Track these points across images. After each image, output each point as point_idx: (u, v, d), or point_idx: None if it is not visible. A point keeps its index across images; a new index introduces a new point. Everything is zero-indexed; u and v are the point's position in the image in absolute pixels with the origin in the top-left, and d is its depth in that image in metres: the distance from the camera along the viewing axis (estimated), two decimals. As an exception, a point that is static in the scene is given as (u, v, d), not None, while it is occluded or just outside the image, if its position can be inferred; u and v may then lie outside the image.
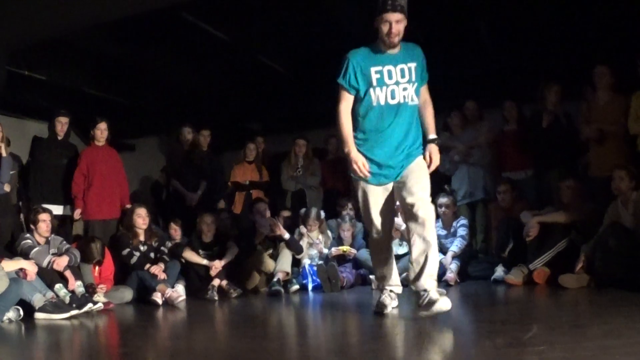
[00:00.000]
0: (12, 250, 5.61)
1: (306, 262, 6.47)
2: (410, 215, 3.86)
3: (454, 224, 6.51)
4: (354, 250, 6.61)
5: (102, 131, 6.81)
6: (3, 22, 6.28)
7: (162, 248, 6.40)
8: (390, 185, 4.08)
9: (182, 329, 4.79)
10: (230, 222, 7.47)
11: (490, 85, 7.78)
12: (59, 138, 6.92)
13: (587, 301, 4.61)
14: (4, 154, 6.11)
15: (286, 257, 6.37)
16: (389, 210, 4.15)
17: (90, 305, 5.16)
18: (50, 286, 5.21)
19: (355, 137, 4.02)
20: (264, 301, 5.85)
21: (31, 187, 6.71)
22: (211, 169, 7.77)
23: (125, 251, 6.17)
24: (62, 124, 6.90)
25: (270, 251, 6.56)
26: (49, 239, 5.72)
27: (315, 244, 6.64)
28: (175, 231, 6.89)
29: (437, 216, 6.53)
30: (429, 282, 3.76)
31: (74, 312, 5.01)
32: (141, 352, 3.60)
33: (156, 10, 6.17)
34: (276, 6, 6.40)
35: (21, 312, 4.91)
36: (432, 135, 4.16)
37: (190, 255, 6.33)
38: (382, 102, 3.94)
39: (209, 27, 6.68)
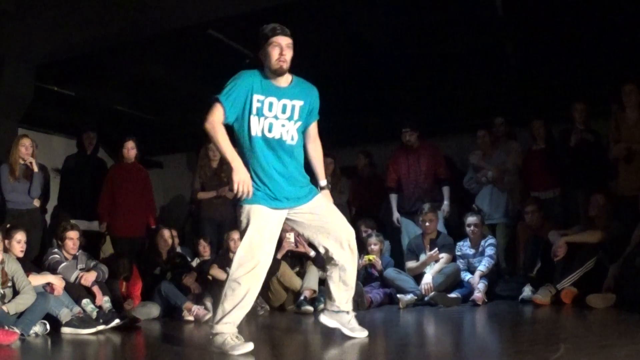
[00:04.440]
0: (39, 264, 5.60)
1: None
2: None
3: (482, 243, 6.37)
4: (379, 260, 6.51)
5: (129, 150, 6.83)
6: (31, 38, 6.37)
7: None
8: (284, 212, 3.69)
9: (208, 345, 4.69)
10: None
11: (518, 104, 7.72)
12: (88, 153, 6.98)
13: (614, 321, 4.56)
14: (35, 169, 6.15)
15: (313, 274, 6.28)
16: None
17: (117, 320, 5.12)
18: (77, 301, 5.19)
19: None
20: (290, 320, 5.77)
21: (60, 202, 6.72)
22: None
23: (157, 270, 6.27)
24: (90, 139, 6.99)
25: (297, 269, 6.49)
26: (77, 254, 5.70)
27: None
28: (204, 248, 6.85)
29: (465, 235, 6.50)
30: None
31: (101, 327, 4.97)
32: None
33: (184, 27, 6.21)
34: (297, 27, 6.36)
35: (48, 327, 4.87)
36: (323, 182, 3.97)
37: (216, 272, 6.27)
38: (259, 134, 3.61)
39: (235, 44, 6.67)
